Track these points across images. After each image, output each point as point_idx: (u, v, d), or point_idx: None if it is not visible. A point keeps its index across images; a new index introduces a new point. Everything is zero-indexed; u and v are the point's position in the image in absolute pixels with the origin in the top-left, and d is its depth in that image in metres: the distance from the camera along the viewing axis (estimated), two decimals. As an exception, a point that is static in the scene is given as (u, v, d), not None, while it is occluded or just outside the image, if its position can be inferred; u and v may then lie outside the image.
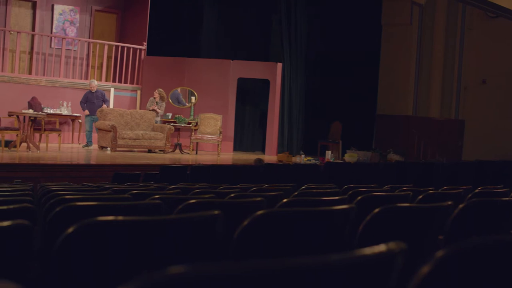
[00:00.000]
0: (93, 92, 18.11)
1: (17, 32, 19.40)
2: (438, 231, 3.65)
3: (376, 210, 3.24)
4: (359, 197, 4.50)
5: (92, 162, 15.07)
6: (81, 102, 18.20)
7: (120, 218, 2.14)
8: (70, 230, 2.05)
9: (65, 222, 2.81)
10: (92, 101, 18.07)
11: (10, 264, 1.97)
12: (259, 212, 2.70)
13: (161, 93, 19.06)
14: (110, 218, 2.16)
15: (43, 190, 5.91)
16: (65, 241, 2.04)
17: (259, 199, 4.06)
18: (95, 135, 18.33)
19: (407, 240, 1.64)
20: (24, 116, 15.81)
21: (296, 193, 5.63)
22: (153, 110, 18.80)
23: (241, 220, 2.92)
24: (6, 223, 1.93)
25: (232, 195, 4.98)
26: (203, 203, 3.78)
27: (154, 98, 19.00)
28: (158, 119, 18.92)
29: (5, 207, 2.98)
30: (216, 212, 2.47)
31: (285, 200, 4.25)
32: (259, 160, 15.01)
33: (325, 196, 5.20)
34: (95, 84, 18.27)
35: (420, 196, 5.09)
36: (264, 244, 2.70)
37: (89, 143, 18.15)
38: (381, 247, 1.40)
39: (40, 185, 8.03)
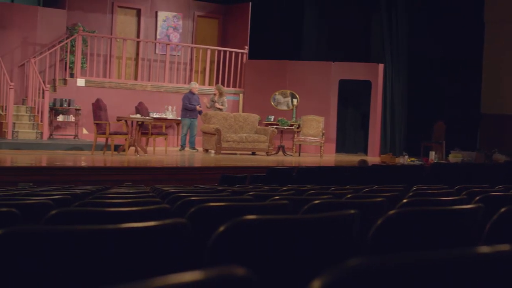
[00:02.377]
0: (193, 94, 18.35)
1: (123, 39, 19.97)
2: None
3: (503, 209, 3.26)
4: (477, 197, 4.50)
5: (198, 165, 15.35)
6: (189, 104, 18.33)
7: (267, 217, 2.26)
8: (222, 229, 2.16)
9: (203, 221, 2.96)
10: (193, 104, 18.33)
11: (173, 261, 2.11)
12: (392, 212, 2.77)
13: (220, 89, 19.18)
14: (256, 217, 2.27)
15: (161, 192, 6.10)
16: (217, 239, 2.16)
17: (380, 199, 4.12)
18: (198, 138, 18.64)
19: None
20: (132, 121, 16.25)
21: (410, 193, 5.65)
22: (218, 109, 18.90)
23: (366, 220, 3.00)
24: (168, 221, 2.06)
25: (349, 195, 5.04)
26: (326, 204, 3.87)
27: (214, 95, 19.11)
28: (221, 111, 18.97)
29: (146, 208, 3.14)
30: (352, 211, 2.55)
31: (404, 200, 4.29)
32: (363, 161, 14.96)
33: (441, 196, 5.20)
34: (197, 86, 18.60)
35: (539, 196, 5.03)
36: (397, 242, 2.77)
37: (184, 146, 18.43)
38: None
39: (153, 187, 8.25)
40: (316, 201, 3.69)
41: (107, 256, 1.95)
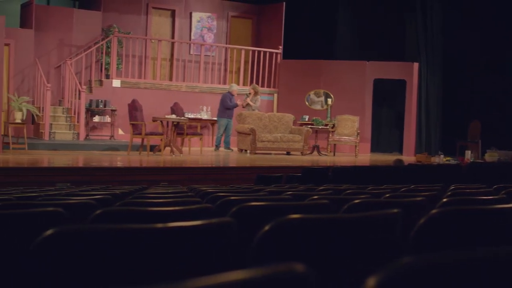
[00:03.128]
0: (233, 96, 18.41)
1: (158, 40, 20.10)
2: None
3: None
4: (517, 197, 4.48)
5: (233, 164, 15.38)
6: (231, 104, 18.42)
7: (312, 216, 2.27)
8: (266, 228, 2.18)
9: (245, 221, 2.97)
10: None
11: (220, 260, 2.13)
12: (434, 211, 2.77)
13: (255, 88, 19.24)
14: (301, 216, 2.29)
15: (199, 192, 6.13)
16: (262, 238, 2.18)
17: (419, 198, 4.12)
18: (233, 138, 18.70)
19: None
20: (167, 121, 16.34)
21: (449, 193, 5.62)
22: (248, 104, 18.96)
23: (406, 219, 3.00)
24: (214, 220, 2.09)
25: (387, 195, 5.04)
26: (365, 203, 3.87)
27: (249, 94, 19.13)
28: (256, 112, 19.02)
29: (188, 207, 3.17)
30: (395, 210, 2.56)
31: (444, 199, 4.28)
32: (399, 161, 14.90)
33: (480, 195, 5.17)
34: (237, 88, 18.65)
35: None
36: (439, 242, 2.77)
37: (218, 146, 18.50)
38: None
39: (190, 187, 8.28)
40: (356, 201, 3.69)
41: (156, 255, 1.98)
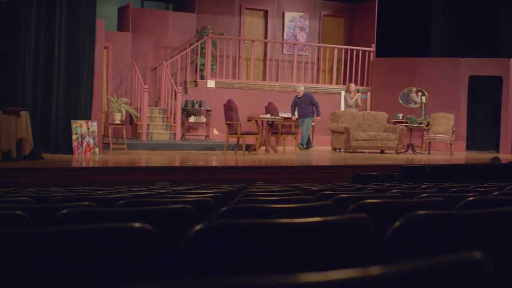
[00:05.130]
0: (300, 97, 18.33)
1: (251, 41, 20.29)
2: None
3: None
4: None
5: (327, 163, 15.40)
6: (292, 106, 18.56)
7: (443, 212, 2.33)
8: (397, 224, 2.25)
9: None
10: (300, 106, 18.34)
11: (355, 254, 2.21)
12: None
13: (355, 87, 19.29)
14: (433, 212, 2.35)
15: (305, 190, 6.21)
16: (393, 233, 2.25)
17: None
18: (327, 137, 18.73)
19: None
20: (262, 121, 16.51)
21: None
22: (356, 100, 18.99)
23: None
24: (348, 216, 2.17)
25: (496, 193, 5.03)
26: (477, 201, 3.88)
27: (351, 91, 19.10)
28: (355, 110, 18.99)
29: (306, 204, 3.26)
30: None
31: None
32: (496, 159, 14.69)
33: None
34: (301, 89, 18.51)
35: None
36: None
37: (302, 145, 18.48)
38: None
39: (291, 185, 8.36)
40: (470, 198, 3.72)
41: (297, 249, 2.08)
